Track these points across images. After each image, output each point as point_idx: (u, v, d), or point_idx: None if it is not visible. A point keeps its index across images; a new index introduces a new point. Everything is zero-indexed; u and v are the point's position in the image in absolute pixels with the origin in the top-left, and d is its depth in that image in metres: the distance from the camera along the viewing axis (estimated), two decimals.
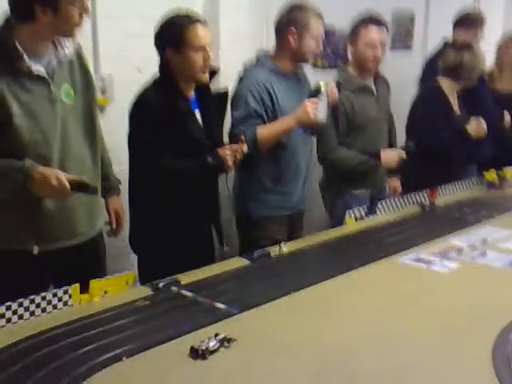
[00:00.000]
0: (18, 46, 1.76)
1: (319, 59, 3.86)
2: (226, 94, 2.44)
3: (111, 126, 2.72)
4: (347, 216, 2.54)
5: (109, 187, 2.28)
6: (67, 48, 1.92)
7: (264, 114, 2.58)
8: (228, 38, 3.27)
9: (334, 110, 2.83)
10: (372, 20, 2.97)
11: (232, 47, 3.27)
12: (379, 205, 2.69)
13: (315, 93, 2.54)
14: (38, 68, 1.81)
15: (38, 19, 1.76)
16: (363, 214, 2.59)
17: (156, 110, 2.15)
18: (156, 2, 2.89)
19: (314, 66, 3.81)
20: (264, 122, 2.58)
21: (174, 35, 2.20)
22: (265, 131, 2.54)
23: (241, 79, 2.69)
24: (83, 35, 2.50)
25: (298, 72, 2.76)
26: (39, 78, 1.82)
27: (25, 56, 1.76)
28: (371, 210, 2.64)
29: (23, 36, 1.78)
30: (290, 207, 2.77)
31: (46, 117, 1.84)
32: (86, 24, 2.68)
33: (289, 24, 2.65)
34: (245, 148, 2.29)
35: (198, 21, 2.21)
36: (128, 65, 2.97)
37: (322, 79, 2.68)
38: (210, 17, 3.04)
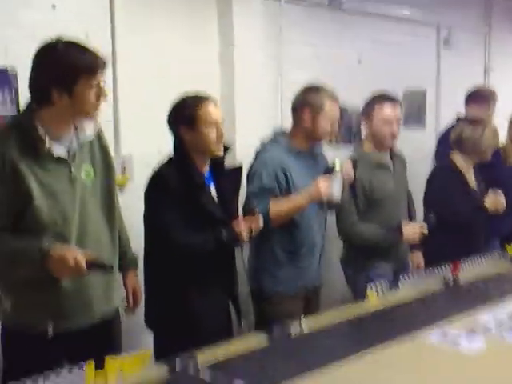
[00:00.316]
0: (40, 129, 1.81)
1: (334, 138, 3.93)
2: (240, 168, 2.48)
3: (130, 204, 2.76)
4: (369, 290, 2.49)
5: (126, 263, 2.29)
6: (88, 131, 1.97)
7: (277, 190, 2.61)
8: (243, 115, 3.36)
9: (351, 186, 2.86)
10: (386, 97, 3.04)
11: (247, 124, 3.35)
12: (402, 279, 2.65)
13: (329, 171, 2.57)
14: (58, 151, 1.86)
15: (55, 103, 1.81)
16: (385, 288, 2.55)
17: (171, 184, 2.20)
18: (173, 85, 3.04)
19: (328, 143, 3.90)
20: (277, 197, 2.60)
21: (186, 113, 2.27)
22: (277, 207, 2.56)
23: (257, 155, 2.74)
24: (105, 117, 2.62)
25: (314, 150, 2.80)
26: (60, 160, 1.87)
27: (46, 139, 1.81)
28: (393, 285, 2.60)
29: (44, 119, 1.84)
30: (305, 283, 2.74)
31: (66, 197, 1.87)
32: (108, 107, 2.87)
33: (304, 105, 2.71)
34: (260, 222, 2.31)
35: (208, 99, 2.31)
36: (147, 145, 3.05)
37: (337, 155, 2.73)
38: (227, 95, 3.19)
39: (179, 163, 2.28)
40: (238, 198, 2.49)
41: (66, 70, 1.78)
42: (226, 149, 2.38)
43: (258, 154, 2.77)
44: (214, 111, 2.28)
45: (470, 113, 3.85)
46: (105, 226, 2.02)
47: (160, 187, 2.23)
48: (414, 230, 2.96)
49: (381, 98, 3.04)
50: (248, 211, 2.39)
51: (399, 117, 3.05)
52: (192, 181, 2.23)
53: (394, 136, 3.03)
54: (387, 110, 3.00)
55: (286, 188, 2.62)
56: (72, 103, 1.82)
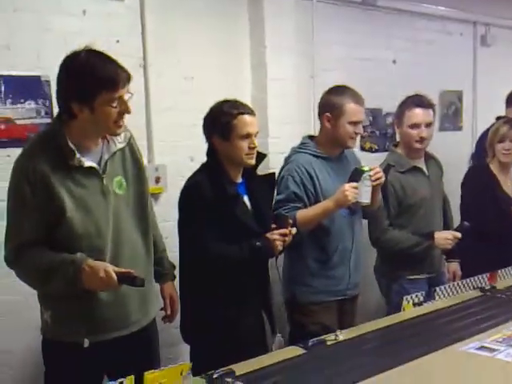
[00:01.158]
0: (69, 142, 1.80)
1: (367, 141, 3.91)
2: (272, 176, 2.49)
3: (165, 213, 2.81)
4: (405, 302, 2.46)
5: (163, 272, 2.30)
6: (119, 143, 1.97)
7: (305, 197, 2.60)
8: (276, 124, 3.36)
9: (383, 191, 2.83)
10: (417, 102, 3.00)
11: (281, 133, 3.36)
12: (438, 290, 2.61)
13: (355, 176, 2.55)
14: (89, 163, 1.86)
15: (77, 116, 1.80)
16: (421, 299, 2.52)
17: (204, 193, 2.21)
18: (204, 91, 3.08)
19: (362, 148, 3.87)
20: (305, 205, 2.60)
21: (221, 124, 2.28)
22: (304, 214, 2.56)
23: (285, 161, 2.75)
24: (138, 128, 2.66)
25: (343, 155, 2.78)
26: (92, 172, 1.87)
27: (76, 151, 1.81)
28: (430, 296, 2.57)
29: (73, 132, 1.83)
30: (338, 292, 2.73)
31: (99, 209, 1.87)
32: (141, 117, 2.92)
33: (325, 108, 2.70)
34: (293, 231, 2.31)
35: (245, 111, 2.30)
36: (181, 154, 3.07)
37: (372, 162, 2.70)
38: (259, 104, 3.18)
39: (212, 172, 2.29)
40: (271, 207, 2.50)
41: (85, 82, 1.74)
42: (261, 157, 2.39)
43: (286, 160, 2.78)
44: (249, 123, 2.28)
45: (511, 115, 3.76)
46: (139, 236, 2.02)
47: (193, 197, 2.24)
48: (445, 236, 2.93)
49: (411, 102, 3.00)
50: (280, 219, 2.39)
51: (430, 121, 3.00)
52: (225, 191, 2.24)
53: (423, 140, 2.99)
54: (416, 116, 2.96)
55: (313, 194, 2.63)
56: (94, 119, 1.80)
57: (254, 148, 2.28)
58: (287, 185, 2.61)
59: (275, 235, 2.26)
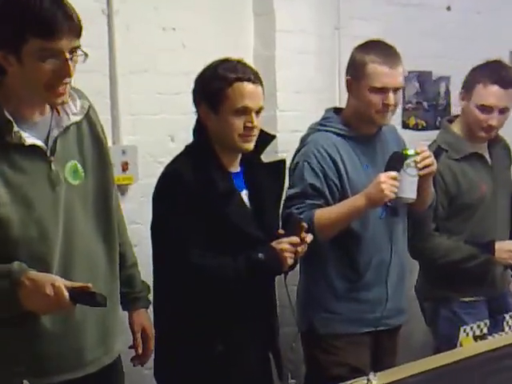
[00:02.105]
0: (4, 110, 1.79)
1: (411, 116, 3.90)
2: (282, 164, 2.49)
3: (135, 212, 2.82)
4: (462, 334, 2.46)
5: (133, 296, 2.30)
6: (74, 115, 1.96)
7: (326, 192, 2.63)
8: (287, 92, 3.36)
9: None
10: (496, 77, 2.96)
11: (293, 105, 3.35)
12: (508, 318, 2.65)
13: (396, 162, 2.57)
14: (32, 140, 1.84)
15: (6, 71, 1.80)
16: (485, 330, 2.53)
17: (188, 186, 2.20)
18: (193, 49, 3.08)
19: (405, 125, 3.87)
20: (327, 203, 2.62)
21: (211, 91, 2.28)
22: (325, 214, 2.58)
23: (300, 144, 2.77)
24: (99, 96, 2.68)
25: (379, 134, 2.80)
26: (35, 153, 1.85)
27: (14, 123, 1.79)
28: (497, 326, 2.58)
29: (7, 96, 1.82)
30: (372, 322, 2.72)
31: (45, 204, 1.86)
32: (103, 82, 2.92)
33: (347, 70, 2.75)
34: (309, 238, 2.30)
35: (246, 77, 2.29)
36: (158, 132, 3.07)
37: (418, 144, 2.68)
38: (264, 65, 3.18)
39: (199, 157, 2.29)
40: (279, 206, 2.50)
41: (11, 22, 1.75)
42: (267, 139, 2.39)
43: (301, 141, 2.78)
44: (249, 94, 2.27)
45: None
46: (99, 243, 2.02)
47: (173, 191, 2.24)
48: (510, 247, 2.96)
49: (489, 76, 2.97)
50: (291, 222, 2.37)
51: (506, 105, 2.99)
52: (215, 183, 2.24)
53: (489, 129, 3.01)
54: (490, 95, 2.95)
55: (338, 187, 2.65)
56: (23, 74, 1.78)
57: (252, 128, 2.28)
58: (302, 174, 2.63)
59: (284, 244, 2.25)
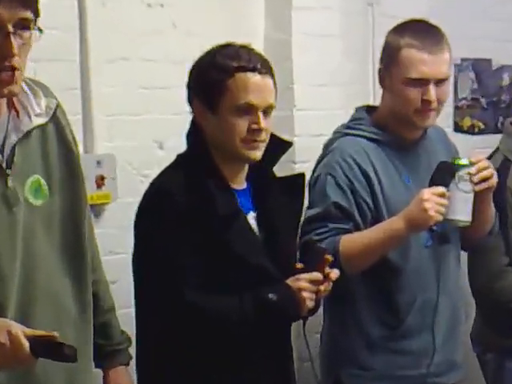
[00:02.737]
0: None
1: (466, 116, 3.90)
2: (300, 180, 2.47)
3: (113, 239, 2.80)
4: None
5: (110, 349, 2.32)
6: (36, 116, 1.97)
7: (355, 213, 2.63)
8: (307, 86, 3.35)
9: (497, 204, 2.81)
10: None
11: (315, 102, 3.34)
12: None
13: (444, 175, 2.57)
14: None
15: None
16: None
17: (179, 208, 2.19)
18: (187, 32, 3.07)
19: (458, 128, 3.86)
20: (357, 227, 2.63)
21: (207, 84, 2.28)
22: (354, 241, 2.59)
23: (323, 154, 2.78)
24: (67, 91, 2.65)
25: (424, 139, 2.81)
26: None
27: None
28: None
29: None
30: (417, 379, 2.73)
31: None
32: (72, 73, 2.90)
33: (380, 58, 2.80)
34: (335, 274, 2.27)
35: (251, 66, 2.27)
36: (141, 137, 3.07)
37: (470, 151, 2.69)
38: (277, 52, 3.16)
39: (193, 171, 2.27)
40: (297, 232, 2.49)
41: None
42: (281, 146, 2.40)
43: (324, 148, 2.78)
44: (255, 87, 2.26)
45: None
46: (67, 281, 2.01)
47: (162, 212, 2.23)
48: None
49: None
50: (312, 253, 2.34)
51: None
52: (214, 204, 2.22)
53: None
54: None
55: (370, 207, 2.66)
56: None
57: (258, 131, 2.26)
58: (325, 191, 2.63)
59: (302, 282, 2.24)
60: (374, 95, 3.32)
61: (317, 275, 2.25)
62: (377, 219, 2.63)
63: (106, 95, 3.01)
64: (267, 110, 2.28)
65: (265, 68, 2.29)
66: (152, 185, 2.33)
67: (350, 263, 2.52)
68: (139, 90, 3.07)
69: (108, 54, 3.02)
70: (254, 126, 2.25)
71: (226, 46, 2.32)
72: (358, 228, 2.61)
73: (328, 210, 2.61)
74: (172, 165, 2.36)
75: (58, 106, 2.02)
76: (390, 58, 2.68)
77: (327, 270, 2.26)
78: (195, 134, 2.34)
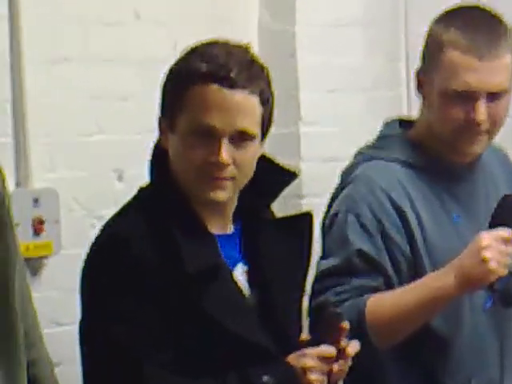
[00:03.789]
0: None
1: None
2: (307, 220, 2.47)
3: (56, 305, 2.83)
4: None
5: None
6: None
7: (387, 264, 2.66)
8: (319, 92, 3.39)
9: None
10: None
11: (328, 113, 3.38)
12: None
13: (507, 213, 2.60)
14: None
15: None
16: None
17: (139, 262, 2.20)
18: (160, 26, 3.11)
19: None
20: (388, 283, 2.65)
21: (166, 95, 2.33)
22: (385, 304, 2.62)
23: (341, 185, 2.80)
24: None
25: (478, 165, 2.84)
26: None
27: None
28: None
29: None
30: None
31: None
32: (3, 76, 2.95)
33: (421, 55, 2.80)
34: (353, 348, 2.27)
35: (224, 77, 2.27)
36: (94, 166, 3.09)
37: None
38: (277, 47, 3.21)
39: (158, 210, 2.30)
40: (302, 292, 2.49)
41: None
42: (284, 177, 2.41)
43: (342, 177, 2.80)
44: (221, 104, 2.26)
45: None
46: None
47: (116, 267, 2.22)
48: None
49: None
50: (322, 320, 2.34)
51: None
52: (179, 256, 2.23)
53: None
54: None
55: (407, 256, 2.67)
56: None
57: (219, 165, 2.26)
58: (346, 235, 2.65)
59: (308, 358, 2.24)
60: (408, 104, 3.36)
61: (328, 350, 2.25)
62: (416, 272, 2.65)
63: (44, 108, 3.05)
64: (241, 137, 2.27)
65: (246, 80, 2.28)
66: (104, 230, 2.33)
67: (379, 333, 2.54)
68: (90, 101, 3.10)
69: (47, 53, 3.05)
70: (212, 159, 2.27)
71: (209, 45, 2.34)
72: (389, 285, 2.63)
73: (350, 261, 2.63)
74: (132, 202, 2.37)
75: None
76: (431, 58, 2.70)
77: (343, 342, 2.27)
78: (158, 160, 2.37)
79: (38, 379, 2.23)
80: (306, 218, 2.47)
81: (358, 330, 2.45)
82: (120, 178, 3.08)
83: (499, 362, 2.73)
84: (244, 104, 2.29)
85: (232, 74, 2.25)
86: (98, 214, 2.71)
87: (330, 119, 3.40)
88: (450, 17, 2.73)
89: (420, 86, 2.74)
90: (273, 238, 2.41)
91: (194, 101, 2.27)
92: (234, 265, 2.34)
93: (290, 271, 2.42)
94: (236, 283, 2.32)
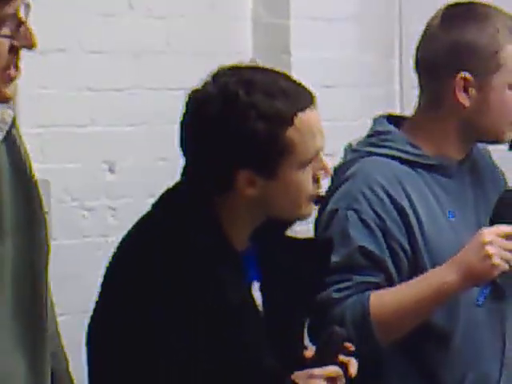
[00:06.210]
0: None
1: None
2: (328, 244, 2.54)
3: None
4: None
5: None
6: None
7: (388, 260, 2.67)
8: (311, 86, 3.30)
9: None
10: None
11: (323, 108, 3.31)
12: None
13: (507, 210, 2.65)
14: None
15: None
16: None
17: (192, 287, 2.16)
18: (152, 16, 3.06)
19: None
20: (390, 280, 2.66)
21: (258, 147, 2.21)
22: (387, 300, 2.64)
23: (338, 182, 2.80)
24: None
25: (471, 159, 2.87)
26: None
27: None
28: None
29: None
30: None
31: None
32: None
33: (451, 57, 2.76)
34: (354, 369, 2.28)
35: (305, 100, 2.27)
36: (85, 157, 3.10)
37: None
38: (270, 40, 3.22)
39: (198, 228, 2.23)
40: (307, 310, 2.48)
41: None
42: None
43: (337, 174, 2.79)
44: (318, 125, 2.32)
45: None
46: (20, 356, 1.92)
47: (169, 292, 2.15)
48: None
49: None
50: (326, 337, 2.34)
51: None
52: (230, 294, 2.20)
53: None
54: None
55: (407, 252, 2.68)
56: None
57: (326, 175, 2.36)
58: (346, 231, 2.67)
59: (317, 380, 2.27)
60: (400, 100, 3.39)
61: (335, 371, 2.27)
62: (416, 269, 2.67)
63: (36, 100, 3.08)
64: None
65: (313, 99, 2.33)
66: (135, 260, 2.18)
67: (383, 329, 2.58)
68: (82, 92, 3.12)
69: (41, 44, 2.97)
70: (321, 174, 2.32)
71: (267, 79, 2.25)
72: (390, 281, 2.66)
73: (351, 258, 2.65)
74: (169, 213, 2.26)
75: (15, 118, 2.05)
76: (484, 59, 2.71)
77: (343, 358, 2.30)
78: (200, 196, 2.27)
79: (55, 371, 2.19)
80: (330, 241, 2.54)
81: (363, 327, 2.53)
82: (111, 170, 3.08)
83: (497, 357, 2.77)
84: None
85: (308, 94, 2.35)
86: (88, 205, 2.72)
87: (324, 115, 3.41)
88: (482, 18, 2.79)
89: (465, 92, 2.74)
90: (289, 258, 2.42)
91: (302, 136, 2.30)
92: (251, 280, 2.37)
93: (301, 293, 2.45)
94: (255, 301, 2.36)
